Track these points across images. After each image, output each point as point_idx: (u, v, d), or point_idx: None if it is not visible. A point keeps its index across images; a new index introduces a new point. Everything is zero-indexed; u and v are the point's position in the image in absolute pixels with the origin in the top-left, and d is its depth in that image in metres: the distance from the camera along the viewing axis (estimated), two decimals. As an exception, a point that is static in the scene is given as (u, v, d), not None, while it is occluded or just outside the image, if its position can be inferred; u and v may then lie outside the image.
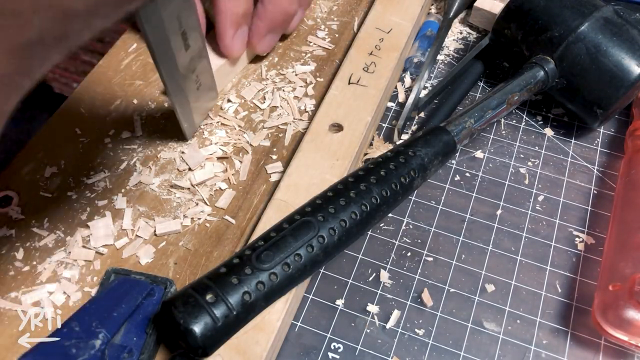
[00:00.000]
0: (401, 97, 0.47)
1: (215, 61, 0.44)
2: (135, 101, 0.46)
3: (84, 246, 0.38)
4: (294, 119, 0.45)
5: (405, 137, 0.44)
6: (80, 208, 0.40)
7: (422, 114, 0.46)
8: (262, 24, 0.45)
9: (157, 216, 0.40)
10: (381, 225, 0.40)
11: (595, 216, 0.40)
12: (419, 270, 0.38)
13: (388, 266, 0.38)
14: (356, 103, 0.42)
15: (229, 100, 0.46)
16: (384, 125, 0.45)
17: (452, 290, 0.37)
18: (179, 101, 0.39)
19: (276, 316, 0.33)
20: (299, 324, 0.36)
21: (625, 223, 0.37)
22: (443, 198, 0.41)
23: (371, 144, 0.44)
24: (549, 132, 0.45)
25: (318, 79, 0.48)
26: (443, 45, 0.50)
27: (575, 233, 0.40)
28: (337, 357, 0.34)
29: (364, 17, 0.51)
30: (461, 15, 0.53)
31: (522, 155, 0.43)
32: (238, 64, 0.47)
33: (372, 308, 0.36)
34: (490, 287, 0.37)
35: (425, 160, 0.37)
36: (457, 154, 0.43)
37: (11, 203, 0.40)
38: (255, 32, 0.45)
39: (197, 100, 0.42)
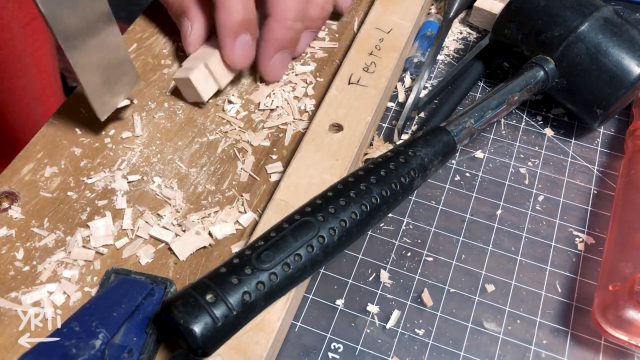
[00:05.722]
0: (401, 97, 0.47)
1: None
2: (135, 101, 0.46)
3: (84, 246, 0.38)
4: (294, 119, 0.45)
5: (405, 137, 0.44)
6: (80, 208, 0.40)
7: (422, 114, 0.46)
8: (268, 44, 0.44)
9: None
10: (381, 225, 0.40)
11: (595, 216, 0.40)
12: (419, 270, 0.38)
13: (388, 266, 0.38)
14: (356, 103, 0.42)
15: (229, 102, 0.46)
16: (384, 125, 0.45)
17: (452, 290, 0.37)
18: (79, 62, 0.37)
19: (276, 316, 0.33)
20: (299, 324, 0.36)
21: (625, 223, 0.37)
22: (443, 198, 0.41)
23: (371, 144, 0.44)
24: (549, 132, 0.45)
25: (318, 79, 0.48)
26: (443, 45, 0.50)
27: (575, 233, 0.40)
28: (337, 357, 0.34)
29: (364, 17, 0.51)
30: (461, 15, 0.53)
31: (522, 155, 0.43)
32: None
33: (372, 308, 0.36)
34: (490, 287, 0.37)
35: (425, 160, 0.37)
36: (457, 154, 0.43)
37: (11, 203, 0.40)
38: (262, 54, 0.45)
39: (104, 67, 0.39)
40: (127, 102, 0.43)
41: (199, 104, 0.46)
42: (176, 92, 0.46)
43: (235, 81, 0.47)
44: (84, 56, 0.38)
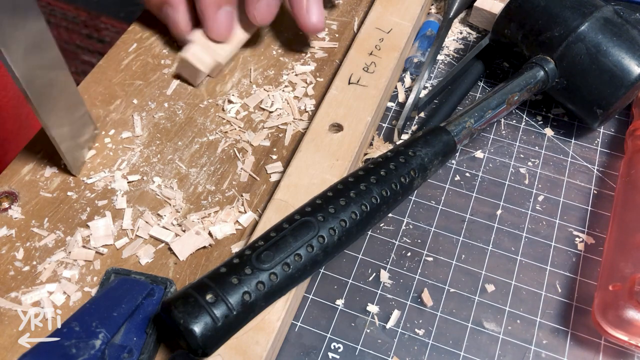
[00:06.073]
0: (401, 97, 0.47)
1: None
2: (135, 101, 0.46)
3: (84, 246, 0.38)
4: (294, 119, 0.45)
5: (405, 137, 0.44)
6: (80, 208, 0.40)
7: (422, 114, 0.46)
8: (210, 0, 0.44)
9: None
10: (381, 225, 0.40)
11: (595, 216, 0.40)
12: (419, 270, 0.38)
13: (388, 266, 0.38)
14: (356, 103, 0.42)
15: (229, 102, 0.46)
16: (384, 125, 0.45)
17: (452, 290, 0.37)
18: (49, 117, 0.37)
19: (276, 316, 0.33)
20: (299, 324, 0.36)
21: (625, 223, 0.37)
22: (443, 198, 0.41)
23: (371, 144, 0.44)
24: (549, 132, 0.45)
25: (318, 79, 0.48)
26: (443, 45, 0.50)
27: (575, 233, 0.40)
28: (337, 357, 0.34)
29: (364, 17, 0.51)
30: (461, 15, 0.53)
31: (522, 155, 0.43)
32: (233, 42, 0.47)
33: (372, 308, 0.36)
34: (490, 287, 0.37)
35: (425, 160, 0.37)
36: (457, 154, 0.43)
37: (11, 203, 0.40)
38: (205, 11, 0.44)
39: (70, 120, 0.39)
40: (93, 152, 0.43)
41: (209, 79, 0.47)
42: (177, 91, 0.46)
43: (235, 81, 0.47)
44: (53, 111, 0.37)
